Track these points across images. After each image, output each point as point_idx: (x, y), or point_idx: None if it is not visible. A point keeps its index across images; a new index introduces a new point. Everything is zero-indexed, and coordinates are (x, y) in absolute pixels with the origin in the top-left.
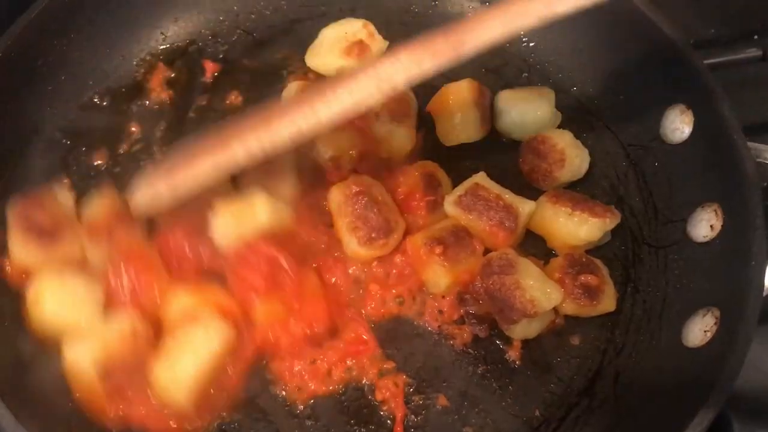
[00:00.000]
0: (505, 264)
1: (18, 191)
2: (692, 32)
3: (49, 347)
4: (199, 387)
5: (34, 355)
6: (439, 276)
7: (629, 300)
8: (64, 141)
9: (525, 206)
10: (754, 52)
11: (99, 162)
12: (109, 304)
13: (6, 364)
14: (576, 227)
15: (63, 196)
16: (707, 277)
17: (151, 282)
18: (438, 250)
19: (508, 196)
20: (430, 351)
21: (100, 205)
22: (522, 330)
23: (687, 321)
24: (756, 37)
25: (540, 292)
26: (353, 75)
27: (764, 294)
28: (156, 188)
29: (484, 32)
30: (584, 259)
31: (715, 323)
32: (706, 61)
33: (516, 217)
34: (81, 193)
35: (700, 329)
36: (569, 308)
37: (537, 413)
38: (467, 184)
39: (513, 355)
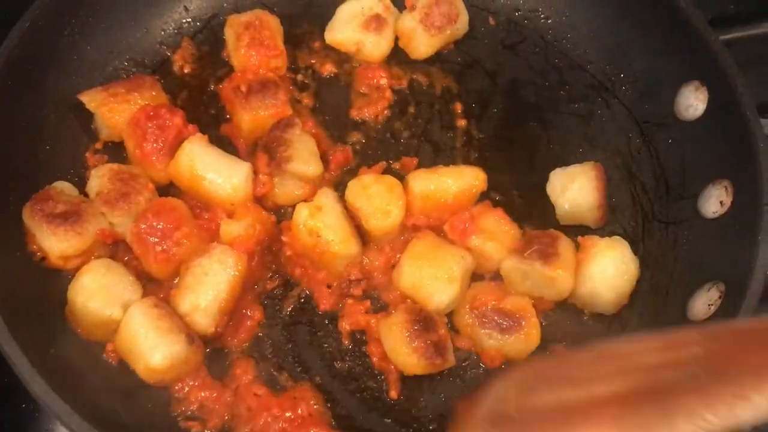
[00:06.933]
0: None
1: (43, 159)
2: (711, 7)
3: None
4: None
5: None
6: None
7: None
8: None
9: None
10: None
11: None
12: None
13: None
14: None
15: (66, 187)
16: (715, 253)
17: (180, 225)
18: None
19: None
20: None
21: (103, 176)
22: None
23: (692, 295)
24: None
25: None
26: None
27: None
28: None
29: None
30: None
31: (720, 297)
32: (723, 37)
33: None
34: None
35: (704, 303)
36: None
37: None
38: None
39: None
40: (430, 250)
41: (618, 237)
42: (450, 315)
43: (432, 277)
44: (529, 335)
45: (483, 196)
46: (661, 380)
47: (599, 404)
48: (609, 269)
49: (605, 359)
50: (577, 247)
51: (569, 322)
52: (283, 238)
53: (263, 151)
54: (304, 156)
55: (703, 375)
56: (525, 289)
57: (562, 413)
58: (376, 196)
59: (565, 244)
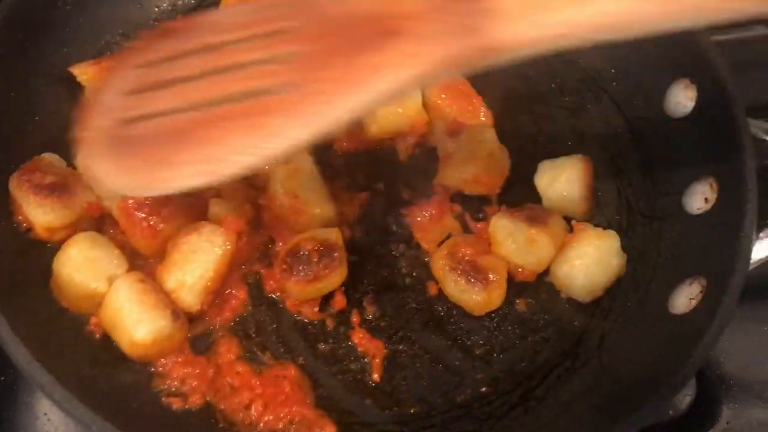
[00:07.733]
0: None
1: (32, 129)
2: None
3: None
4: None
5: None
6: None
7: None
8: (78, 82)
9: None
10: (762, 30)
11: None
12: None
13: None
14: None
15: (54, 159)
16: (698, 248)
17: (168, 202)
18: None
19: None
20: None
21: None
22: None
23: (674, 289)
24: None
25: None
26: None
27: (750, 267)
28: (124, 179)
29: None
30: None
31: (701, 292)
32: (714, 38)
33: None
34: None
35: (686, 297)
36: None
37: (520, 367)
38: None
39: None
40: None
41: (613, 231)
42: (429, 258)
43: None
44: (491, 294)
45: None
46: (254, 92)
47: (197, 125)
48: (590, 257)
49: (198, 41)
50: (571, 230)
51: (549, 304)
52: (261, 202)
53: None
54: None
55: (293, 89)
56: (507, 251)
57: (165, 132)
58: None
59: (555, 219)
